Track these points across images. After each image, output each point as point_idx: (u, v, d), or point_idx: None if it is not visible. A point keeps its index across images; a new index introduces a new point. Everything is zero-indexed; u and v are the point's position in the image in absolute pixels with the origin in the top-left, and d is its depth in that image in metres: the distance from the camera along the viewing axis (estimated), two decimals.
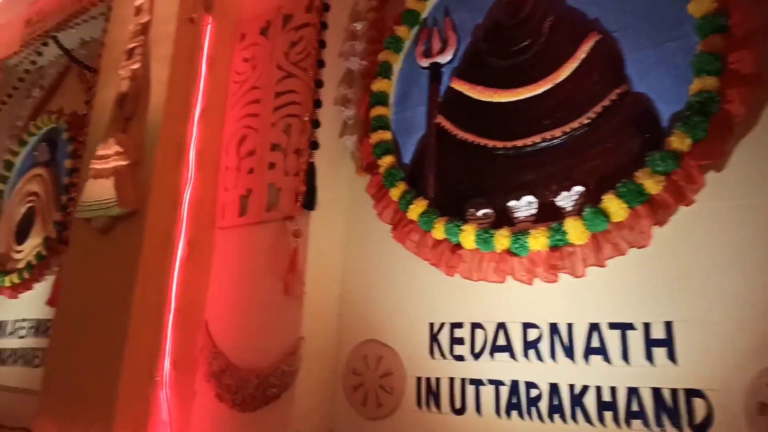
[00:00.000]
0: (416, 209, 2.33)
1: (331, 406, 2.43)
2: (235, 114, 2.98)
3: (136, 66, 2.96)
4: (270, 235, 2.62)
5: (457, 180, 2.38)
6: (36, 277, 3.95)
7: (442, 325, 2.26)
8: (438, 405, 2.19)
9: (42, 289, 4.00)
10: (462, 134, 2.43)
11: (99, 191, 2.70)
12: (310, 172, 2.57)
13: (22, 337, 4.14)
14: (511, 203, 2.22)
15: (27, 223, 4.29)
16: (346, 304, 2.52)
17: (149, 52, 2.98)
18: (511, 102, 2.33)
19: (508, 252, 2.08)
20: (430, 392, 2.22)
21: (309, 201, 2.53)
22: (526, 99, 2.30)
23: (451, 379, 2.18)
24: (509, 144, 2.28)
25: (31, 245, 4.12)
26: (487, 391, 2.10)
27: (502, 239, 2.09)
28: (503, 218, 2.22)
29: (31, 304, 4.13)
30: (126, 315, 2.43)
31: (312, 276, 2.50)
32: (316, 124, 2.65)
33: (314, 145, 2.63)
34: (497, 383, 2.08)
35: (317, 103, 2.68)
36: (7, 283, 4.09)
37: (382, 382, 2.33)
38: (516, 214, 2.22)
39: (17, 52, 4.85)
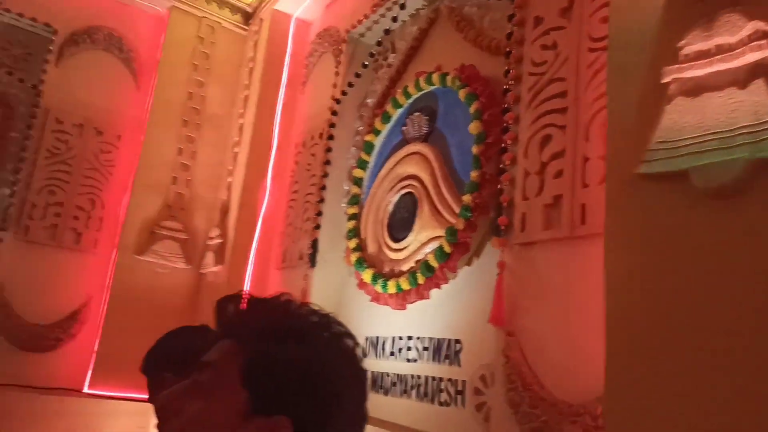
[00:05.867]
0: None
1: None
2: None
3: None
4: None
5: None
6: (436, 282, 2.95)
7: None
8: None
9: (442, 297, 3.00)
10: None
11: (710, 114, 1.42)
12: None
13: (411, 360, 3.19)
14: None
15: (404, 213, 3.37)
16: None
17: None
18: None
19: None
20: None
21: None
22: None
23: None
24: None
25: (418, 241, 3.16)
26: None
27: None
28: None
29: (423, 317, 3.16)
30: None
31: None
32: None
33: None
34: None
35: None
36: (392, 290, 3.17)
37: None
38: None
39: (367, 15, 4.09)
